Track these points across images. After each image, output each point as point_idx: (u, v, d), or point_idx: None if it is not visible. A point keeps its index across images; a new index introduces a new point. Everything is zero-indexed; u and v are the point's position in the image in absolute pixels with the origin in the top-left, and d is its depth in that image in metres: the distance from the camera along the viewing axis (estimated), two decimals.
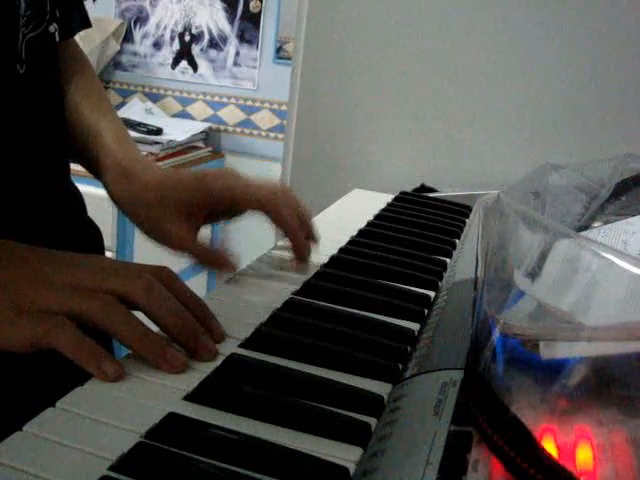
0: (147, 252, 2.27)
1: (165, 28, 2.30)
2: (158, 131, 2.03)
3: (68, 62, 0.65)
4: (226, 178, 0.58)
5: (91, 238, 0.68)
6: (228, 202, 0.58)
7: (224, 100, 2.28)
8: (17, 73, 0.52)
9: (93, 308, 0.39)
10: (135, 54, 2.34)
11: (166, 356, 0.40)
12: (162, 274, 0.43)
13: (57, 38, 0.57)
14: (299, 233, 0.58)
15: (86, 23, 0.68)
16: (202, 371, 0.40)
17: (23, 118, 0.54)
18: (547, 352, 0.35)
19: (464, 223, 0.81)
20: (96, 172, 0.63)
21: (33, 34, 0.53)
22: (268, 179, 0.60)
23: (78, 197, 0.66)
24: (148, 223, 0.59)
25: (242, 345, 0.45)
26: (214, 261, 0.57)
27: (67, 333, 0.38)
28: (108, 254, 1.84)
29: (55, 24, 0.56)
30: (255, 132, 2.27)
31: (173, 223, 0.57)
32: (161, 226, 0.57)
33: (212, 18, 2.24)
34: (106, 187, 0.61)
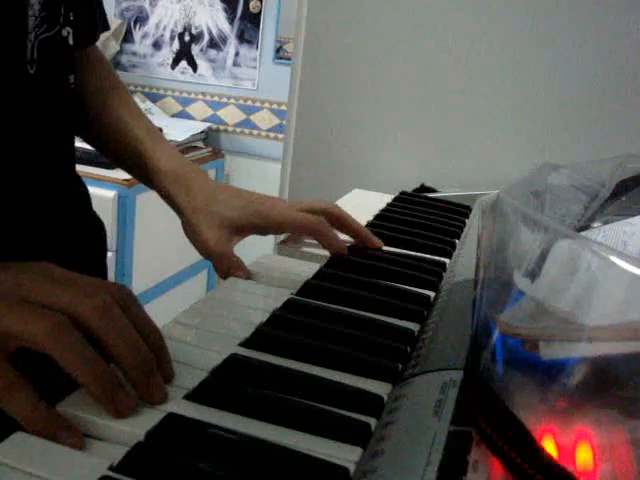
0: (147, 252, 2.25)
1: (165, 28, 2.30)
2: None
3: (93, 65, 0.68)
4: (278, 209, 0.62)
5: (94, 233, 0.69)
6: (279, 229, 0.63)
7: (224, 100, 2.28)
8: (27, 73, 0.52)
9: (39, 330, 0.34)
10: (135, 54, 2.34)
11: (115, 399, 0.35)
12: (120, 293, 0.39)
13: (71, 42, 0.58)
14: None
15: (105, 26, 0.71)
16: (202, 371, 0.41)
17: (31, 117, 0.54)
18: (547, 352, 0.35)
19: (464, 223, 0.81)
20: (145, 176, 0.66)
21: (46, 35, 0.53)
22: (306, 200, 0.67)
23: (84, 193, 0.67)
24: (189, 226, 0.62)
25: (242, 345, 0.45)
26: (227, 275, 0.59)
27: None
28: (108, 254, 1.84)
29: (68, 28, 0.57)
30: (255, 132, 2.27)
31: (210, 231, 0.61)
32: (198, 230, 0.61)
33: (212, 18, 2.24)
34: (161, 190, 0.65)
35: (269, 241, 0.63)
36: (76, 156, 0.64)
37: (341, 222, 0.65)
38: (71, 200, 0.64)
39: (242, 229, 0.63)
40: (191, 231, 0.62)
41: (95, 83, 0.68)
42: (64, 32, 0.56)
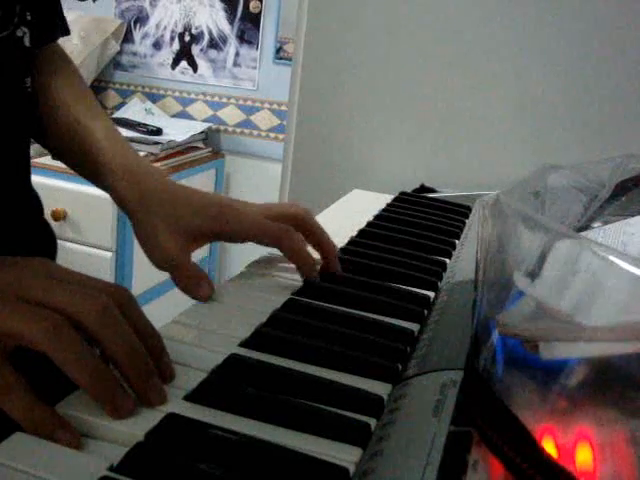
0: None
1: (165, 28, 2.30)
2: (158, 131, 2.03)
3: (52, 63, 0.63)
4: (244, 215, 0.56)
5: (45, 244, 0.66)
6: (242, 237, 0.57)
7: (224, 100, 2.28)
8: None
9: (37, 330, 0.34)
10: (135, 54, 2.34)
11: (115, 400, 0.35)
12: (120, 295, 0.38)
13: (27, 43, 0.55)
14: (311, 270, 0.57)
15: (65, 30, 0.65)
16: (202, 371, 0.40)
17: None
18: (547, 352, 0.35)
19: (464, 223, 0.81)
20: (94, 174, 0.61)
21: None
22: (279, 204, 0.60)
23: (35, 203, 0.64)
24: (142, 229, 0.56)
25: (242, 345, 0.45)
26: (191, 286, 0.53)
27: None
28: (108, 254, 1.84)
29: (24, 28, 0.54)
30: (255, 132, 2.27)
31: (167, 236, 0.55)
32: (154, 235, 0.55)
33: (212, 18, 2.24)
34: (110, 188, 0.59)
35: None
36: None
37: (307, 231, 0.59)
38: (22, 210, 0.61)
39: (202, 236, 0.57)
40: (144, 236, 0.56)
41: (49, 81, 0.62)
42: (19, 32, 0.54)
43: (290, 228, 0.57)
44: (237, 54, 2.24)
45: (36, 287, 0.36)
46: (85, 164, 0.61)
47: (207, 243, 0.59)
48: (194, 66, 2.29)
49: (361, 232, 0.72)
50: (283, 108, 2.17)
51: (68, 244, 1.79)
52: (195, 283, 0.53)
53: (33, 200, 0.64)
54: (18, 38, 0.54)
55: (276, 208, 0.60)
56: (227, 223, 0.56)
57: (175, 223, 0.55)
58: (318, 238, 0.60)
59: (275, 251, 0.59)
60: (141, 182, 0.58)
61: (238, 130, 2.29)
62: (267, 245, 0.58)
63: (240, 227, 0.56)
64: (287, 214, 0.59)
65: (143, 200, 0.56)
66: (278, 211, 0.59)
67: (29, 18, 0.55)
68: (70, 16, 0.66)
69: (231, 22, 2.22)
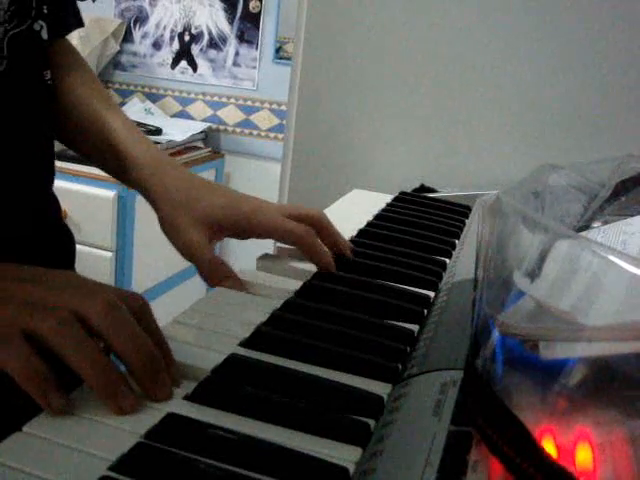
0: (147, 252, 2.24)
1: (165, 28, 2.30)
2: (158, 131, 2.03)
3: (65, 57, 0.64)
4: (264, 212, 0.58)
5: (64, 241, 0.66)
6: (262, 234, 0.59)
7: (224, 100, 2.28)
8: None
9: (45, 326, 0.35)
10: (135, 54, 2.34)
11: (118, 397, 0.35)
12: (128, 297, 0.39)
13: (45, 36, 0.56)
14: (333, 269, 0.59)
15: (79, 22, 0.67)
16: (202, 371, 0.40)
17: (5, 118, 0.52)
18: (547, 352, 0.35)
19: (464, 223, 0.81)
20: (118, 166, 0.62)
21: (16, 30, 0.52)
22: (293, 205, 0.62)
23: (54, 204, 0.65)
24: (166, 219, 0.58)
25: (242, 345, 0.45)
26: (218, 277, 0.55)
27: (18, 354, 0.34)
28: (108, 254, 1.84)
29: (41, 21, 0.55)
30: (255, 132, 2.27)
31: (190, 228, 0.57)
32: (178, 226, 0.57)
33: (212, 18, 2.24)
34: (135, 180, 0.61)
35: (269, 241, 0.60)
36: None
37: (325, 233, 0.61)
38: (45, 209, 0.62)
39: (224, 230, 0.58)
40: (171, 228, 0.58)
41: (64, 75, 0.64)
42: (36, 26, 0.54)
43: (310, 229, 0.58)
44: (237, 54, 2.24)
45: (44, 290, 0.37)
46: (108, 160, 0.63)
47: (226, 237, 0.60)
48: (194, 66, 2.29)
49: (361, 232, 0.72)
50: (283, 108, 2.17)
51: None
52: (218, 277, 0.55)
53: (53, 200, 0.65)
54: (35, 32, 0.55)
55: (292, 208, 0.61)
56: (250, 219, 0.58)
57: (198, 215, 0.57)
58: (335, 239, 0.62)
59: (275, 250, 0.59)
60: (167, 177, 0.60)
61: (238, 130, 2.29)
62: (286, 243, 0.59)
63: (262, 224, 0.58)
64: (304, 215, 0.61)
65: (169, 194, 0.58)
66: (294, 211, 0.61)
67: (45, 11, 0.55)
68: None
69: (231, 22, 2.22)
